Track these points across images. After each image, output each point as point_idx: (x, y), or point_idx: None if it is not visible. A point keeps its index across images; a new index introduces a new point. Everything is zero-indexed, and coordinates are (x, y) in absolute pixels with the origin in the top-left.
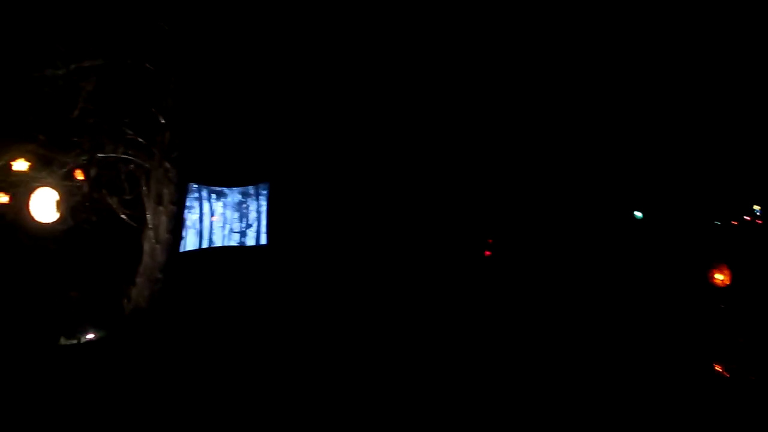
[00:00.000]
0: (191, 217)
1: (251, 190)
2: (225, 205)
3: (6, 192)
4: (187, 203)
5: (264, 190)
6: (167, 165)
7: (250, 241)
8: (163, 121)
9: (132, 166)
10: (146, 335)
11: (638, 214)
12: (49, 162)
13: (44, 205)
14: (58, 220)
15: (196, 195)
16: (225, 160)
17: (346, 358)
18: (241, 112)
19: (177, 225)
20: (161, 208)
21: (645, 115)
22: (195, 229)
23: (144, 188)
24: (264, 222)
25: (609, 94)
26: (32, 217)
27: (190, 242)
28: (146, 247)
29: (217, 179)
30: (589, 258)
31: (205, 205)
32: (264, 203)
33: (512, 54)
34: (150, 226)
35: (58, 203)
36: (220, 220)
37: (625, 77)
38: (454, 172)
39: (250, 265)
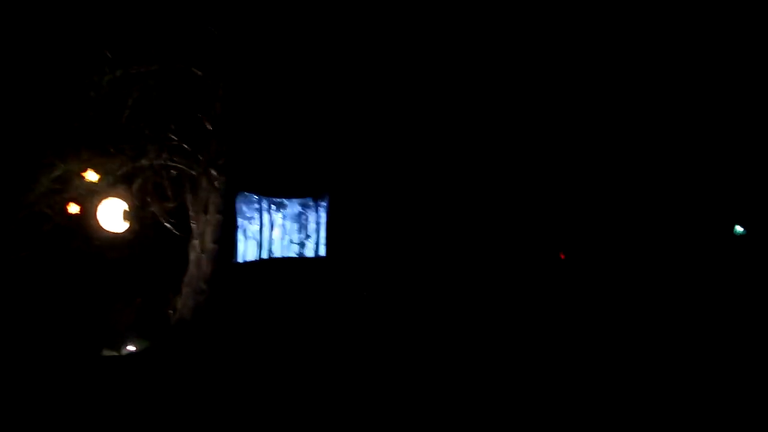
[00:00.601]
0: (251, 227)
1: (311, 201)
2: (285, 216)
3: (75, 202)
4: (247, 214)
5: (324, 201)
6: (213, 173)
7: (309, 253)
8: (210, 128)
9: (173, 172)
10: (189, 348)
11: (739, 229)
12: (95, 169)
13: (111, 215)
14: (126, 230)
15: (256, 206)
16: (285, 171)
17: (408, 378)
18: (301, 122)
19: (224, 235)
20: (207, 217)
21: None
22: (255, 239)
23: (189, 196)
24: (323, 233)
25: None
26: (94, 226)
27: (249, 253)
28: (192, 256)
29: (277, 190)
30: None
31: (265, 216)
32: (323, 214)
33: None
34: (195, 235)
35: (126, 213)
36: (279, 231)
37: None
38: (523, 177)
39: (308, 276)
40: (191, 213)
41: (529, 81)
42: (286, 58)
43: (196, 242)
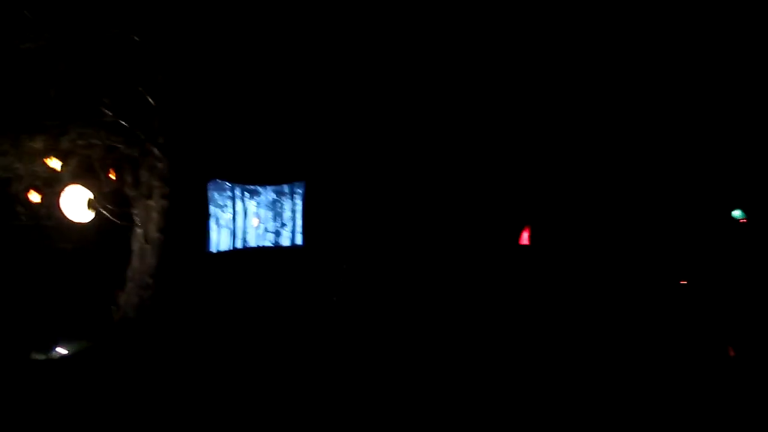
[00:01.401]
0: (224, 216)
1: (286, 188)
2: (259, 204)
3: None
4: (220, 202)
5: (299, 188)
6: (156, 153)
7: (285, 242)
8: (152, 102)
9: (101, 152)
10: (129, 350)
11: (737, 213)
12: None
13: (75, 204)
14: (92, 220)
15: (229, 193)
16: (258, 156)
17: (387, 378)
18: (275, 105)
19: (192, 224)
20: (151, 203)
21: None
22: (228, 228)
23: (129, 179)
24: (299, 221)
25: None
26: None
27: (223, 242)
28: (135, 247)
29: (251, 177)
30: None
31: (239, 204)
32: (299, 202)
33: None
34: (138, 223)
35: (91, 201)
36: (254, 220)
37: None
38: (496, 165)
39: (284, 266)
40: (132, 199)
41: (502, 72)
42: (255, 34)
43: (139, 231)
